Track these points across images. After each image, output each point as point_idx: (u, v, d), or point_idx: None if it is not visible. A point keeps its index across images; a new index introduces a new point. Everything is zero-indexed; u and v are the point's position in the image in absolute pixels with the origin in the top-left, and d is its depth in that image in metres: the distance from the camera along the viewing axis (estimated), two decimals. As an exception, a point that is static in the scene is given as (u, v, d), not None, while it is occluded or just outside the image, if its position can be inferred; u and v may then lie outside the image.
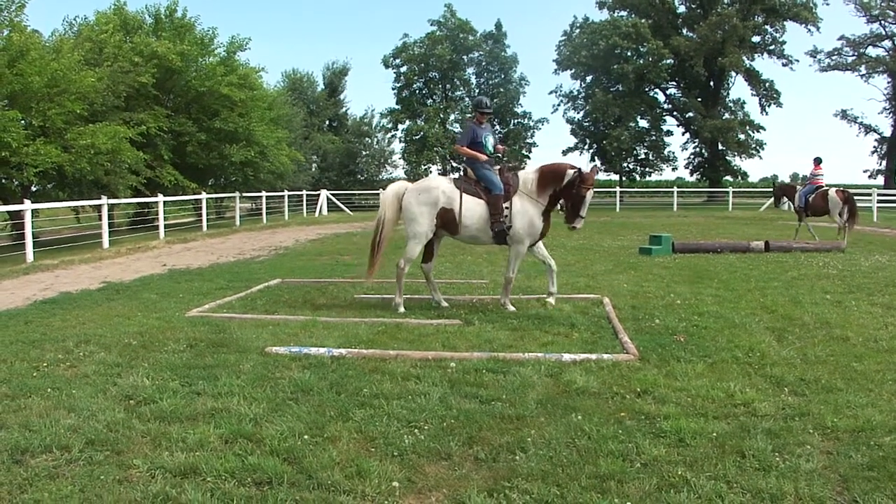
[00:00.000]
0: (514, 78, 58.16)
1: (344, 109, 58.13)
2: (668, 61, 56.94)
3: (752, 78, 57.49)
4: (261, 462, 4.32)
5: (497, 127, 55.15)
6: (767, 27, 56.75)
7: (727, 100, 59.62)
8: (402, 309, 9.43)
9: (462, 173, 9.86)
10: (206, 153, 28.53)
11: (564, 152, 62.46)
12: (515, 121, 58.11)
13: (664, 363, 6.58)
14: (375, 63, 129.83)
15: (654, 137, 60.49)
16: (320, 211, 39.55)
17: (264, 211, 32.55)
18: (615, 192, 45.92)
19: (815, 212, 19.94)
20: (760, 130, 57.68)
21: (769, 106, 58.30)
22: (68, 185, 21.49)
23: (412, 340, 7.61)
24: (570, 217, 8.95)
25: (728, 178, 60.34)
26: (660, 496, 3.93)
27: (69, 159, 19.59)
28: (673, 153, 61.77)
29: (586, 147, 61.01)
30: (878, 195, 33.05)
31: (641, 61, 55.98)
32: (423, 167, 56.72)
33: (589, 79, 59.90)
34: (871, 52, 55.44)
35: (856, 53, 55.39)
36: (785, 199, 22.14)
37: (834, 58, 55.95)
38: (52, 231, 23.47)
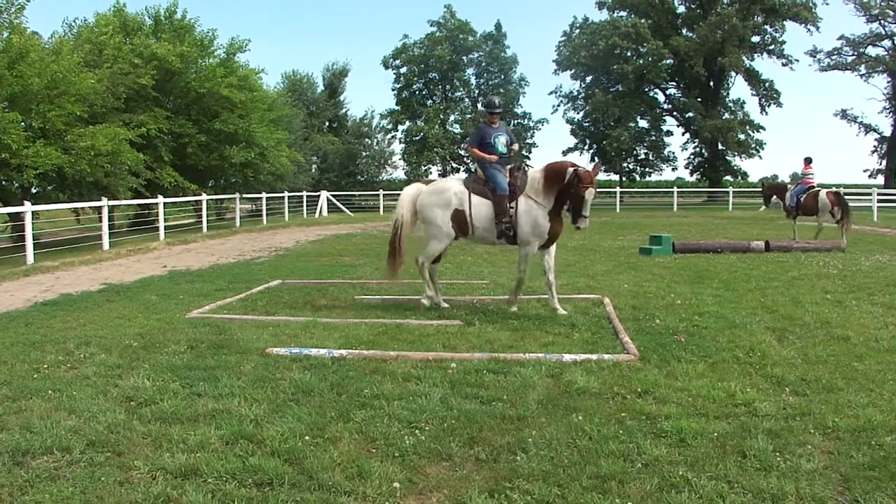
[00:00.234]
0: (514, 78, 58.24)
1: (344, 110, 58.19)
2: (668, 61, 56.99)
3: (752, 78, 57.51)
4: (262, 463, 4.32)
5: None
6: (767, 27, 56.77)
7: (727, 100, 59.68)
8: (439, 302, 9.63)
9: (473, 173, 9.88)
10: (206, 154, 28.51)
11: (564, 153, 62.64)
12: (515, 121, 58.15)
13: (665, 363, 6.58)
14: (375, 64, 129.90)
15: (653, 137, 60.56)
16: (320, 212, 39.54)
17: (264, 212, 32.54)
18: (615, 193, 45.90)
19: (806, 211, 20.00)
20: (760, 130, 57.79)
21: (769, 106, 58.41)
22: (68, 187, 21.46)
23: (413, 341, 7.61)
24: (573, 217, 8.87)
25: (728, 178, 60.41)
26: (661, 496, 3.93)
27: (69, 161, 19.57)
28: (673, 153, 61.96)
29: (586, 147, 61.10)
30: (878, 195, 33.02)
31: (641, 61, 56.01)
32: (423, 168, 56.76)
33: (589, 79, 59.96)
34: (871, 51, 55.50)
35: (855, 53, 55.39)
36: (775, 198, 22.15)
37: (834, 57, 55.97)
38: (53, 233, 23.45)
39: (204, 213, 26.96)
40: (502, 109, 9.81)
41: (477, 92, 59.12)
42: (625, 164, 60.91)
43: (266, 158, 30.84)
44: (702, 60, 54.50)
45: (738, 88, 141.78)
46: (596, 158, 59.58)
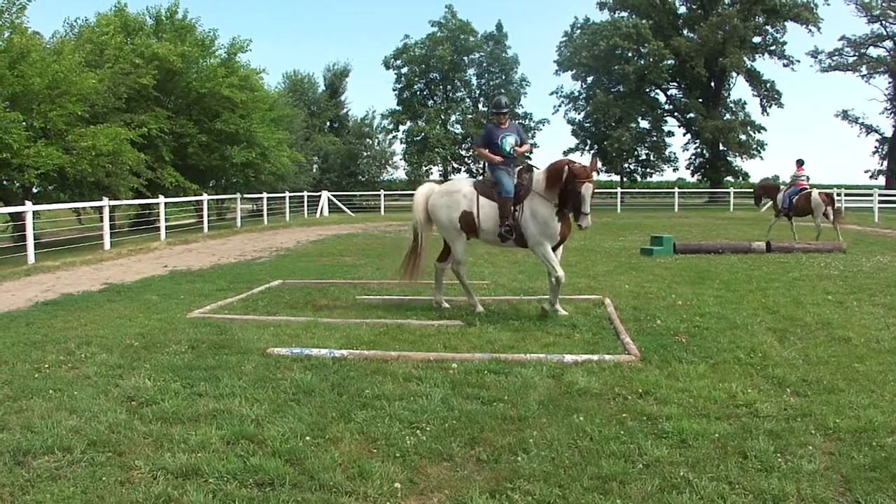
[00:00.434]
0: (515, 79, 58.22)
1: (345, 110, 58.17)
2: (669, 62, 56.93)
3: (753, 78, 57.47)
4: (263, 463, 4.32)
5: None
6: (768, 28, 56.73)
7: (728, 100, 59.63)
8: (479, 308, 9.45)
9: (483, 175, 9.88)
10: (207, 154, 28.53)
11: (565, 153, 62.50)
12: (516, 122, 58.06)
13: (666, 364, 6.57)
14: (376, 64, 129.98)
15: (654, 138, 60.50)
16: (321, 212, 39.55)
17: (265, 212, 32.56)
18: (616, 193, 45.89)
19: (798, 212, 20.14)
20: (761, 131, 57.70)
21: (770, 106, 58.31)
22: (69, 187, 21.48)
23: (414, 341, 7.61)
24: (575, 215, 8.71)
25: (729, 178, 60.33)
26: (662, 497, 3.93)
27: (70, 161, 19.59)
28: (674, 154, 61.86)
29: (587, 148, 60.99)
30: (879, 196, 33.01)
31: (642, 62, 55.98)
32: (424, 168, 56.76)
33: (590, 80, 59.92)
34: (872, 52, 55.41)
35: (857, 54, 55.33)
36: (767, 199, 22.25)
37: (835, 58, 55.89)
38: (54, 233, 23.47)
39: (205, 213, 26.97)
40: (508, 109, 9.65)
41: (478, 92, 59.13)
42: (626, 165, 60.87)
43: (267, 158, 30.86)
44: (703, 61, 54.47)
45: (740, 89, 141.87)
46: (596, 158, 59.55)
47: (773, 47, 57.48)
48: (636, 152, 60.30)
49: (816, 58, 56.24)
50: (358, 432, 4.89)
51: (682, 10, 59.62)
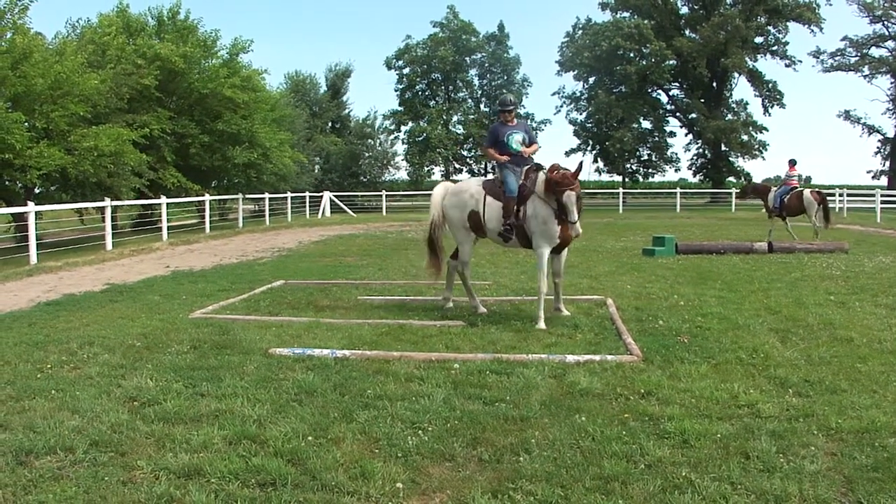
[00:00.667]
0: (517, 79, 58.27)
1: (347, 111, 58.18)
2: (671, 62, 56.86)
3: (755, 79, 57.44)
4: (265, 463, 4.32)
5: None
6: (770, 28, 56.68)
7: (730, 101, 59.58)
8: (481, 309, 9.42)
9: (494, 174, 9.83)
10: (209, 155, 28.52)
11: (567, 153, 62.57)
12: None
13: (668, 364, 6.57)
14: (378, 64, 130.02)
15: (657, 138, 60.45)
16: (323, 212, 39.56)
17: (267, 212, 32.58)
18: (618, 194, 45.88)
19: (790, 212, 20.22)
20: (763, 131, 57.62)
21: (772, 107, 58.27)
22: (72, 188, 21.50)
23: (416, 342, 7.62)
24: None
25: (731, 179, 60.27)
26: (664, 497, 3.93)
27: (72, 161, 19.61)
28: (676, 154, 61.80)
29: (589, 148, 61.01)
30: (882, 196, 32.98)
31: (644, 62, 55.95)
32: (425, 169, 56.80)
33: (592, 80, 59.86)
34: (874, 52, 55.38)
35: (859, 54, 55.29)
36: (757, 199, 22.38)
37: (837, 58, 55.86)
38: (56, 233, 23.48)
39: (207, 213, 26.96)
40: (514, 107, 9.54)
41: (480, 93, 59.15)
42: (628, 165, 60.86)
43: (269, 159, 30.84)
44: (705, 61, 54.44)
45: (742, 89, 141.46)
46: (598, 159, 59.73)
47: (775, 47, 57.45)
48: (638, 153, 60.27)
49: (818, 58, 56.26)
50: (360, 432, 4.90)
51: (684, 10, 59.61)
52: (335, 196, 41.60)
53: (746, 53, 55.17)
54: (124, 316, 9.43)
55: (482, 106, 58.29)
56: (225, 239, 24.64)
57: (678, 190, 46.00)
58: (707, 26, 53.33)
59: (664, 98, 61.75)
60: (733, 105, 59.21)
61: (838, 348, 7.15)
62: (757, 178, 22.85)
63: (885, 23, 53.71)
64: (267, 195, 32.41)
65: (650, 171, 62.41)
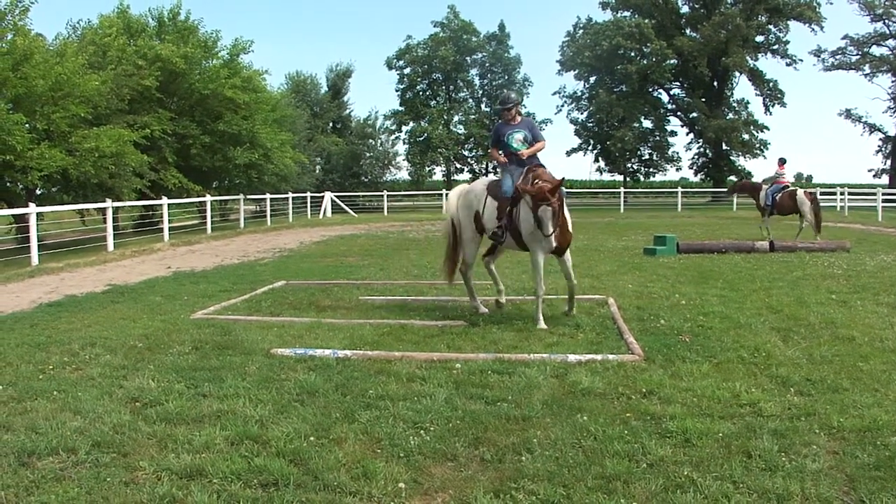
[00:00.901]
0: (518, 79, 58.32)
1: (347, 111, 58.15)
2: (672, 62, 56.91)
3: (756, 78, 57.47)
4: (267, 464, 4.32)
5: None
6: (771, 27, 56.72)
7: (731, 100, 59.64)
8: (482, 309, 9.39)
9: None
10: (210, 156, 28.53)
11: (568, 153, 62.70)
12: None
13: (669, 363, 6.57)
14: (379, 65, 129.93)
15: (658, 138, 60.51)
16: (324, 213, 39.57)
17: (268, 213, 32.60)
18: (619, 193, 45.88)
19: (782, 211, 20.37)
20: (764, 130, 57.71)
21: (773, 106, 58.35)
22: (73, 189, 21.53)
23: (417, 342, 7.62)
24: None
25: (732, 178, 60.23)
26: (666, 496, 3.92)
27: (73, 162, 19.63)
28: (677, 153, 61.96)
29: (590, 148, 61.08)
30: (883, 195, 32.96)
31: (645, 62, 56.00)
32: (426, 169, 56.81)
33: (592, 79, 59.94)
34: (875, 51, 55.42)
35: (860, 52, 55.31)
36: (747, 196, 22.50)
37: (838, 57, 55.89)
38: (57, 234, 23.47)
39: (208, 214, 26.98)
40: (514, 104, 9.13)
41: (481, 93, 59.19)
42: (629, 165, 60.93)
43: (270, 159, 30.85)
44: (706, 60, 54.46)
45: (742, 88, 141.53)
46: (599, 158, 59.74)
47: (775, 46, 57.51)
48: (639, 152, 60.33)
49: (819, 57, 56.32)
50: (362, 432, 4.90)
51: (685, 9, 59.67)
52: (336, 196, 41.62)
53: (747, 52, 55.20)
54: (126, 317, 9.44)
55: (483, 106, 58.33)
56: (226, 239, 24.65)
57: (679, 189, 45.98)
58: (708, 25, 53.35)
59: (665, 97, 61.94)
60: (734, 104, 59.29)
61: (840, 347, 7.15)
62: (758, 178, 22.95)
63: (886, 21, 53.72)
64: (268, 196, 32.43)
65: (651, 170, 62.49)
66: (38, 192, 21.22)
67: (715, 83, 58.57)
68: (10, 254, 17.41)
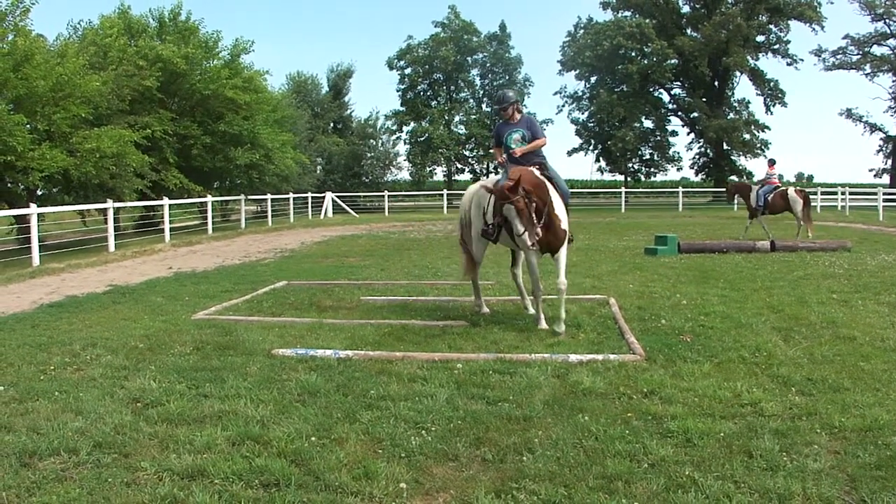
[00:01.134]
0: (519, 79, 58.26)
1: (348, 112, 58.14)
2: (673, 61, 56.87)
3: (757, 77, 57.43)
4: (268, 464, 4.33)
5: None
6: (772, 27, 56.67)
7: (732, 100, 59.57)
8: (485, 309, 9.35)
9: None
10: (211, 156, 28.53)
11: (569, 153, 62.74)
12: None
13: (671, 363, 6.57)
14: (380, 65, 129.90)
15: (658, 138, 60.47)
16: (325, 213, 39.59)
17: (269, 213, 32.60)
18: (620, 193, 45.89)
19: (773, 210, 20.57)
20: (765, 130, 57.64)
21: (774, 105, 58.26)
22: (74, 189, 21.54)
23: (418, 342, 7.62)
24: None
25: (733, 178, 60.20)
26: (667, 496, 3.92)
27: (74, 163, 19.64)
28: (678, 153, 61.92)
29: (591, 148, 61.08)
30: (884, 194, 32.96)
31: (646, 62, 55.98)
32: (427, 169, 56.80)
33: (593, 79, 59.92)
34: (876, 50, 55.46)
35: (861, 52, 55.32)
36: (738, 197, 22.74)
37: (839, 57, 55.92)
38: (58, 235, 23.49)
39: (209, 214, 26.99)
40: (510, 103, 8.91)
41: (481, 93, 59.16)
42: (630, 165, 60.89)
43: (271, 160, 30.86)
44: (706, 60, 54.41)
45: (743, 88, 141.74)
46: (600, 158, 59.77)
47: (776, 46, 57.45)
48: (640, 152, 60.29)
49: (820, 56, 56.37)
50: (363, 433, 4.90)
51: (686, 9, 59.62)
52: (337, 197, 41.64)
53: (748, 52, 55.16)
54: (127, 317, 9.44)
55: (484, 106, 58.27)
56: (227, 240, 24.65)
57: (680, 189, 46.01)
58: (708, 25, 53.31)
59: (666, 97, 61.90)
60: (735, 104, 59.22)
61: (841, 347, 7.15)
62: (759, 177, 22.91)
63: (887, 21, 53.75)
64: (269, 196, 32.46)
65: (652, 170, 62.46)
66: (39, 192, 21.24)
67: (716, 83, 58.53)
68: (12, 254, 17.43)
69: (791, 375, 6.10)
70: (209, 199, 27.07)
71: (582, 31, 58.98)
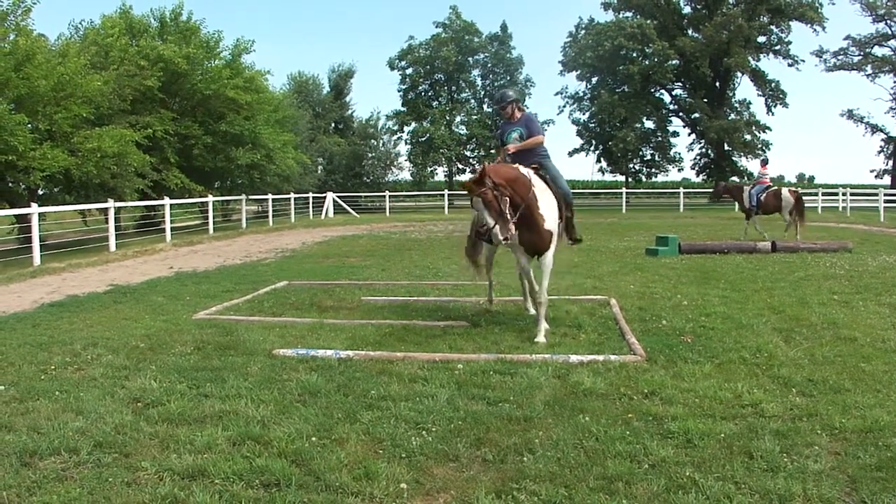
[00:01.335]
0: (520, 79, 58.17)
1: (350, 112, 58.12)
2: (674, 62, 56.83)
3: (758, 78, 57.38)
4: (269, 464, 4.33)
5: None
6: (773, 27, 56.60)
7: (733, 100, 59.47)
8: (489, 306, 9.37)
9: None
10: (212, 156, 28.53)
11: (570, 154, 62.63)
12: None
13: (671, 364, 6.57)
14: (381, 65, 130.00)
15: (659, 138, 60.42)
16: (326, 213, 39.59)
17: (270, 213, 32.59)
18: (621, 194, 45.89)
19: (766, 210, 20.59)
20: (766, 131, 57.55)
21: (775, 106, 58.17)
22: (75, 189, 21.55)
23: (419, 342, 7.61)
24: None
25: (734, 178, 60.19)
26: (668, 497, 3.93)
27: (76, 163, 19.64)
28: (679, 154, 61.80)
29: (592, 148, 61.04)
30: (885, 195, 32.96)
31: (647, 62, 55.94)
32: (429, 169, 56.78)
33: (594, 80, 59.85)
34: (878, 51, 55.44)
35: (862, 53, 55.31)
36: (729, 197, 22.91)
37: (840, 57, 55.91)
38: (59, 234, 23.50)
39: (210, 214, 27.00)
40: (507, 101, 8.83)
41: (483, 93, 59.09)
42: (631, 165, 60.84)
43: (272, 160, 30.86)
44: (708, 61, 54.37)
45: (744, 89, 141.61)
46: (601, 158, 59.76)
47: (777, 47, 57.38)
48: (641, 152, 60.23)
49: (821, 57, 56.37)
50: (364, 433, 4.90)
51: (687, 10, 59.54)
52: (338, 197, 41.63)
53: (749, 53, 55.11)
54: (128, 317, 9.44)
55: (485, 106, 58.22)
56: (228, 240, 24.65)
57: (681, 190, 46.05)
58: (710, 26, 53.26)
59: (667, 98, 61.82)
60: (736, 105, 59.14)
61: (842, 348, 7.14)
62: (769, 178, 22.96)
63: (888, 22, 53.75)
64: (270, 196, 32.46)
65: (653, 170, 62.39)
66: (40, 192, 21.24)
67: (717, 84, 58.47)
68: (13, 254, 17.43)
69: (792, 376, 6.10)
70: (210, 198, 27.07)
71: (583, 32, 58.95)
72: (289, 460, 4.43)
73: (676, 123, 61.70)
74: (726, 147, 57.73)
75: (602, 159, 60.80)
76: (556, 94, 66.63)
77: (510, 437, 4.80)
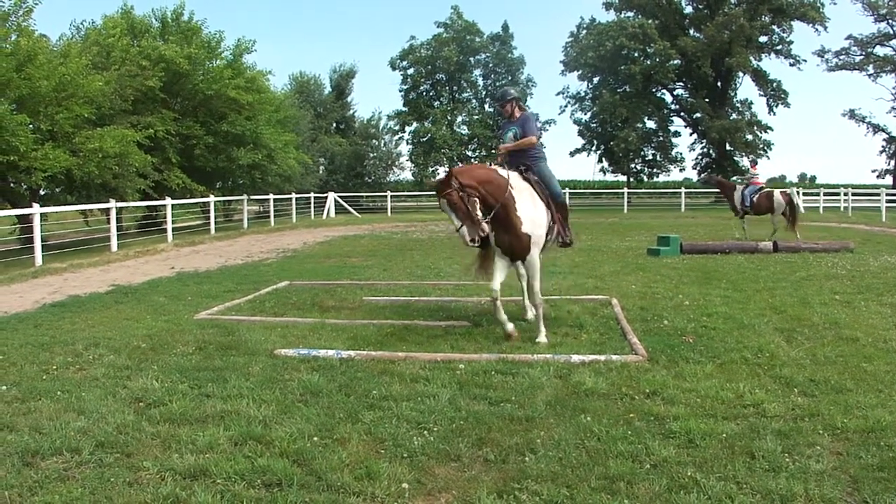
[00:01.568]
0: (521, 79, 58.11)
1: (351, 112, 58.05)
2: (676, 62, 56.77)
3: (760, 78, 57.31)
4: (270, 464, 4.33)
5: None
6: (774, 27, 56.54)
7: (734, 100, 59.39)
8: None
9: None
10: (213, 156, 28.52)
11: (572, 154, 62.58)
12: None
13: (673, 364, 6.57)
14: (382, 65, 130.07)
15: (661, 138, 60.34)
16: (328, 213, 39.60)
17: (272, 213, 32.60)
18: (623, 194, 45.87)
19: (758, 211, 20.63)
20: (768, 131, 57.44)
21: (777, 106, 58.09)
22: (77, 189, 21.54)
23: (421, 342, 7.62)
24: None
25: (736, 178, 60.10)
26: (669, 497, 3.93)
27: (77, 163, 19.63)
28: (680, 154, 61.63)
29: (594, 148, 60.97)
30: (887, 195, 32.92)
31: (648, 62, 55.88)
32: (430, 169, 56.74)
33: (596, 80, 59.78)
34: (879, 51, 55.37)
35: (863, 53, 55.26)
36: (721, 194, 23.01)
37: (842, 57, 55.85)
38: (61, 234, 23.52)
39: (212, 214, 27.03)
40: (506, 99, 8.74)
41: (484, 93, 59.06)
42: (632, 165, 60.77)
43: (273, 160, 30.84)
44: (709, 61, 54.33)
45: (746, 89, 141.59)
46: (603, 159, 59.76)
47: (779, 47, 57.31)
48: (642, 152, 60.15)
49: (823, 57, 56.31)
50: (365, 433, 4.90)
51: (689, 9, 59.46)
52: (340, 197, 41.65)
53: (751, 53, 55.04)
54: (129, 317, 9.45)
55: (486, 106, 58.20)
56: (230, 240, 24.67)
57: (683, 190, 46.01)
58: (711, 26, 53.20)
59: (668, 98, 61.72)
60: (738, 104, 59.06)
61: (844, 348, 7.14)
62: (762, 178, 22.79)
63: (890, 21, 53.69)
64: (272, 196, 32.47)
65: (655, 170, 62.29)
66: (41, 192, 21.23)
67: (718, 83, 58.42)
68: (14, 254, 17.44)
69: (793, 376, 6.10)
70: (212, 199, 27.09)
71: (584, 32, 58.90)
72: (290, 460, 4.43)
73: (678, 123, 61.69)
74: (728, 147, 57.64)
75: (603, 159, 60.73)
76: (558, 93, 66.66)
77: (512, 437, 4.81)
